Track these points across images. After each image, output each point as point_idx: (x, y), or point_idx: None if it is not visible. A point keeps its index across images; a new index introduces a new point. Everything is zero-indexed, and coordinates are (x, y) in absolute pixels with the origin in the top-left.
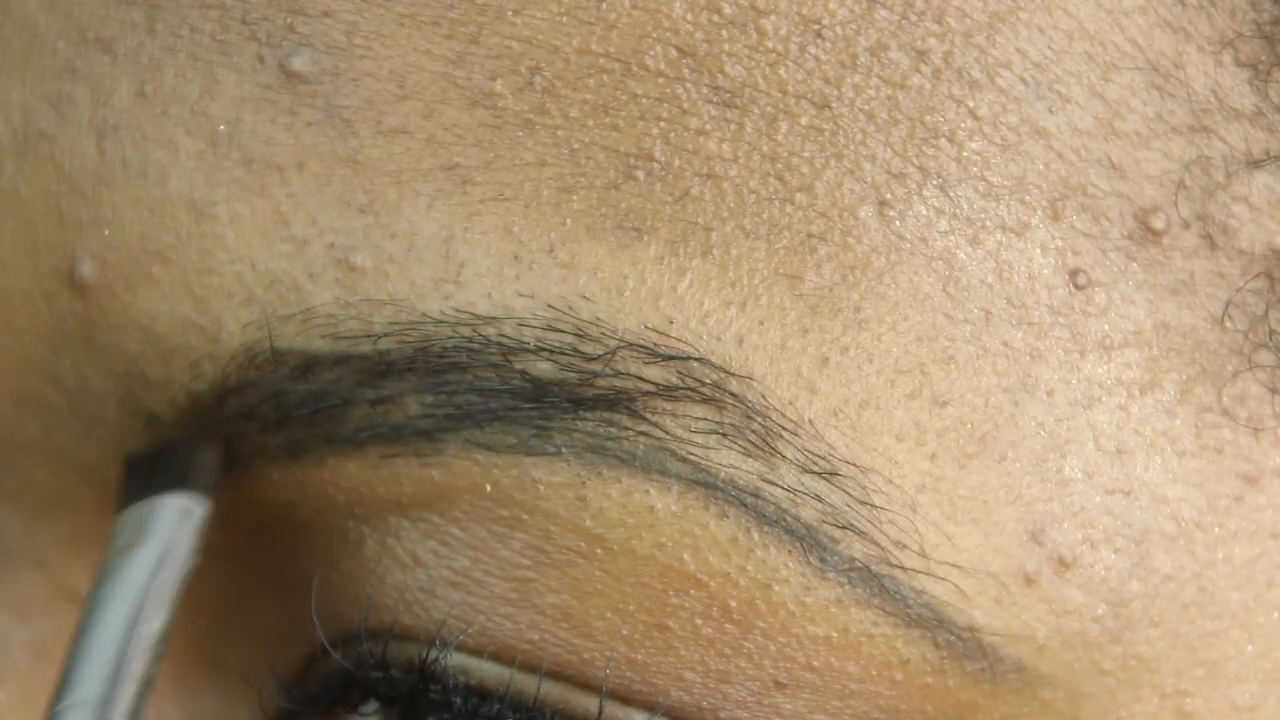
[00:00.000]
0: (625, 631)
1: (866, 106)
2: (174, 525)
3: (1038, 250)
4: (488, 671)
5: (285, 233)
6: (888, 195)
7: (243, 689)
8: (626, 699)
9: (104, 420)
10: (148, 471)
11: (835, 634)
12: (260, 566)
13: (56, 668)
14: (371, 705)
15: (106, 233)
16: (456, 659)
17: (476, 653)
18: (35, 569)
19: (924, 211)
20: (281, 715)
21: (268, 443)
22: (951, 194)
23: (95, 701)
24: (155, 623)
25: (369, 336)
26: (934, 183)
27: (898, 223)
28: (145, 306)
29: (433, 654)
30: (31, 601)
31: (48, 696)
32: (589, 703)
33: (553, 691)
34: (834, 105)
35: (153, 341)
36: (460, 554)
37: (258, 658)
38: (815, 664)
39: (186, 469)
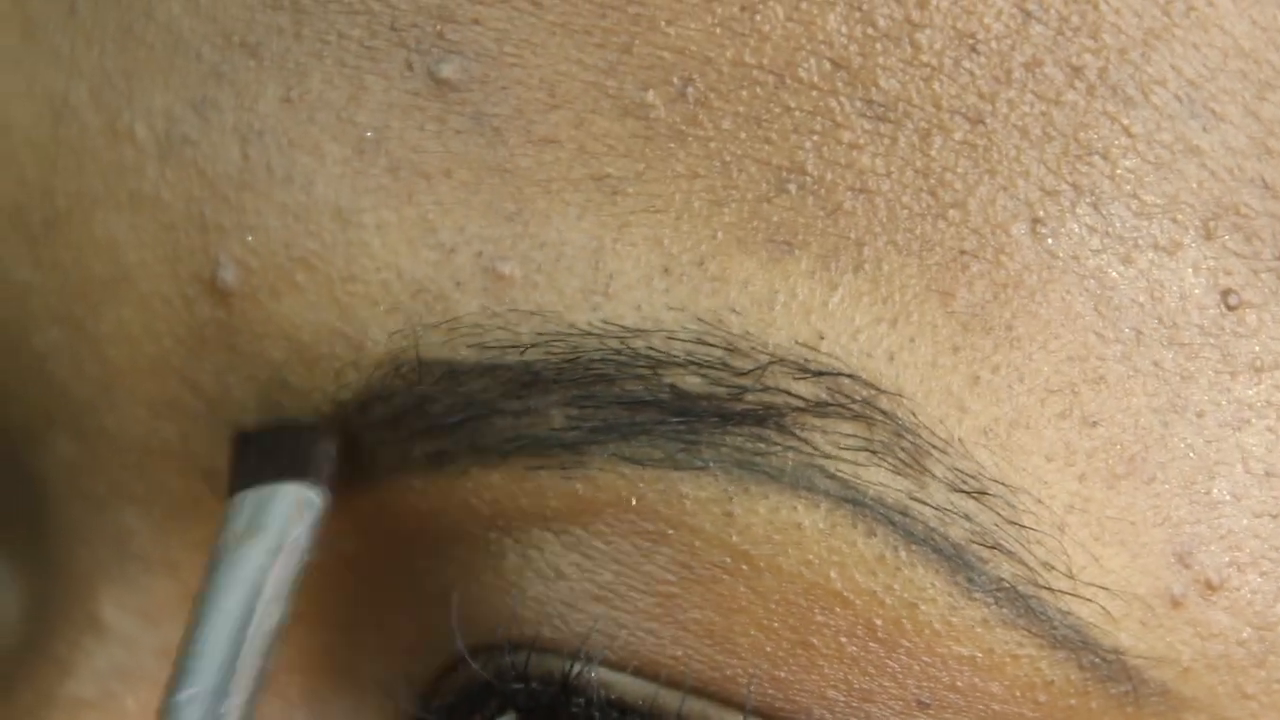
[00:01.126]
0: (769, 649)
1: (1020, 122)
2: (293, 516)
3: (1190, 270)
4: (629, 686)
5: (432, 240)
6: (1041, 212)
7: (373, 699)
8: (769, 716)
9: (242, 426)
10: (263, 455)
11: (980, 654)
12: (397, 576)
13: None
14: (510, 716)
15: (250, 239)
16: (599, 673)
17: (619, 667)
18: (166, 574)
19: (1077, 229)
20: None
21: (411, 451)
22: (1104, 212)
23: (210, 693)
24: (272, 618)
25: (516, 347)
26: (1087, 200)
27: (1050, 240)
28: (289, 313)
29: (575, 667)
30: (162, 607)
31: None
32: (731, 719)
33: (695, 708)
34: (988, 120)
35: (297, 349)
36: (604, 568)
37: (391, 668)
38: (959, 684)
39: (307, 458)
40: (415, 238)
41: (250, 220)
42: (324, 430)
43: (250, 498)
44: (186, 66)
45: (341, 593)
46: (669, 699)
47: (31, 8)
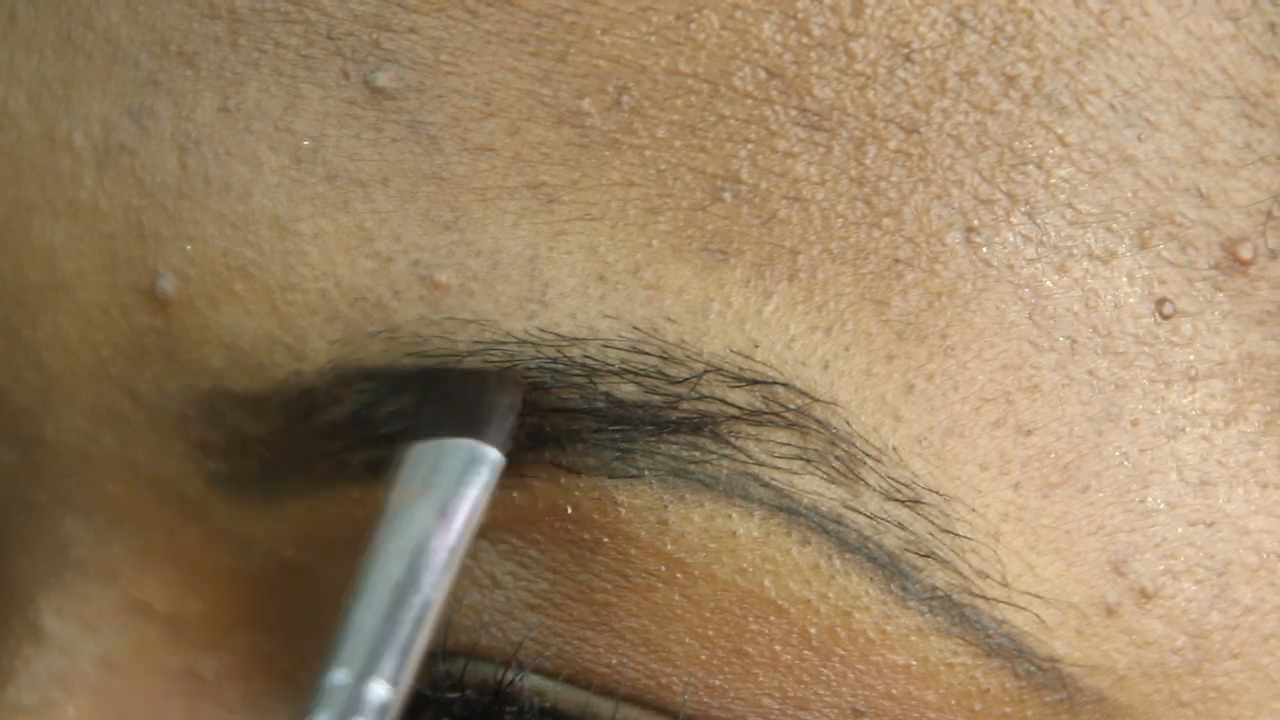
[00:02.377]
0: (704, 657)
1: (955, 131)
2: (470, 477)
3: (1124, 279)
4: (564, 694)
5: (369, 249)
6: (975, 221)
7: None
8: None
9: (184, 435)
10: (443, 406)
11: (915, 662)
12: (334, 583)
13: (127, 682)
14: None
15: (188, 248)
16: (533, 681)
17: (553, 675)
18: (106, 582)
19: (1011, 238)
20: None
21: (350, 460)
22: (1039, 221)
23: (361, 673)
24: (439, 589)
25: (454, 355)
26: (1022, 209)
27: (985, 249)
28: (228, 322)
29: (509, 675)
30: (102, 614)
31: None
32: None
33: (629, 715)
34: (922, 129)
35: (237, 357)
36: (539, 576)
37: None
38: (894, 692)
39: (489, 416)
40: (353, 246)
41: (188, 230)
42: (509, 388)
43: (427, 450)
44: (124, 74)
45: (282, 599)
46: (603, 707)
47: None
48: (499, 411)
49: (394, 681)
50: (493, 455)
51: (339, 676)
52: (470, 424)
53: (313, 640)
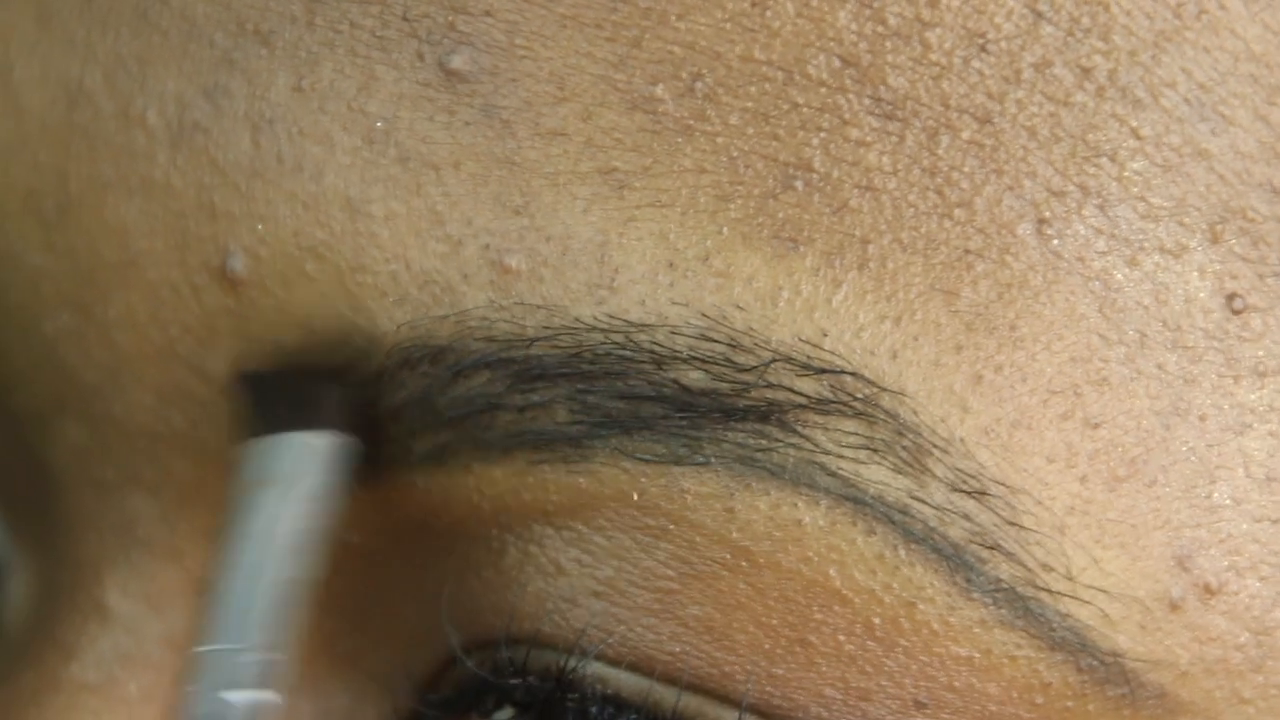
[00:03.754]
0: (767, 646)
1: (1029, 123)
2: (303, 464)
3: (1195, 273)
4: (626, 682)
5: (440, 232)
6: (1047, 213)
7: (375, 690)
8: (766, 713)
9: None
10: (271, 401)
11: (978, 655)
12: (400, 569)
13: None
14: (507, 712)
15: (260, 228)
16: (595, 668)
17: (616, 662)
18: (171, 561)
19: (1083, 231)
20: (414, 718)
21: (414, 445)
22: (1111, 214)
23: (231, 646)
24: (291, 568)
25: (522, 340)
26: (1094, 202)
27: (1056, 241)
28: (299, 302)
29: (572, 662)
30: (166, 593)
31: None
32: (728, 716)
33: (691, 704)
34: (996, 120)
35: (308, 337)
36: (604, 563)
37: (393, 660)
38: (957, 684)
39: (317, 404)
40: (423, 229)
41: (260, 209)
42: (329, 378)
43: (260, 446)
44: (199, 53)
45: (347, 582)
46: (665, 695)
47: None
48: (326, 400)
49: (264, 651)
50: (326, 442)
51: (214, 647)
52: (301, 416)
53: (377, 624)
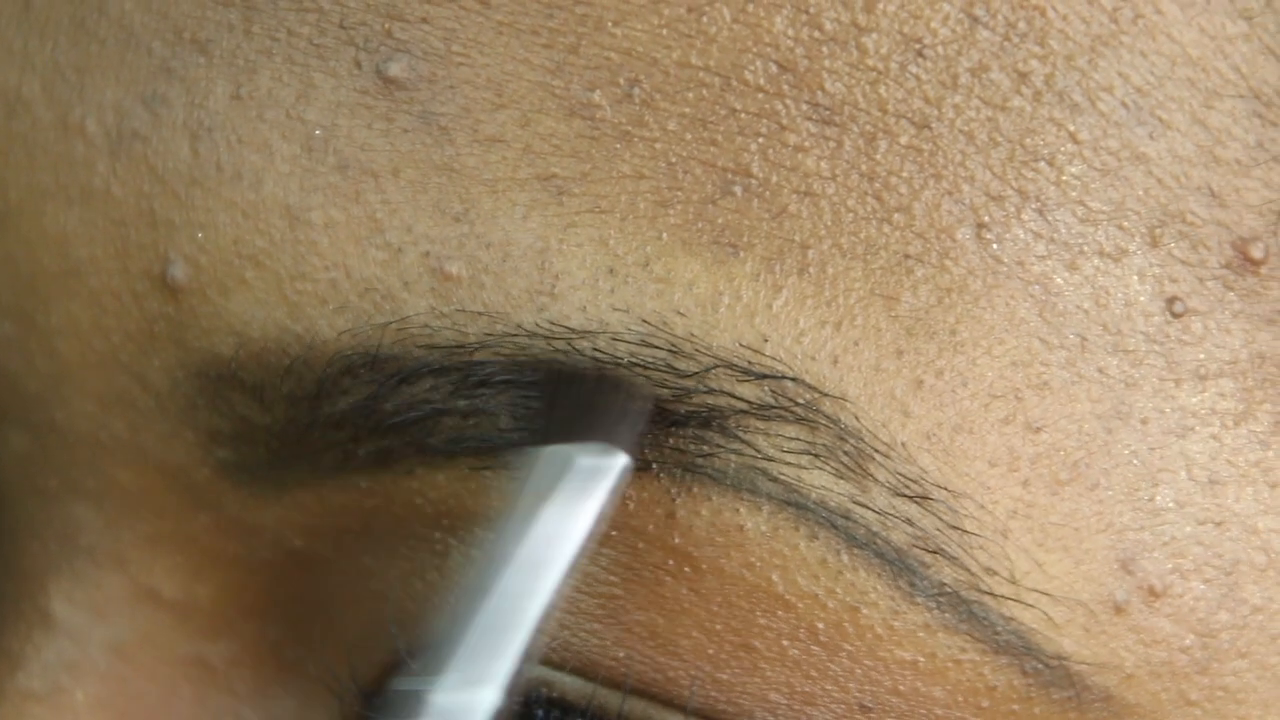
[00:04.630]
0: (711, 651)
1: (966, 127)
2: (598, 483)
3: (1135, 277)
4: (570, 686)
5: (380, 240)
6: (986, 218)
7: (322, 694)
8: (711, 718)
9: (193, 422)
10: (572, 410)
11: (922, 659)
12: (344, 573)
13: (135, 669)
14: None
15: (200, 235)
16: (539, 672)
17: (560, 667)
18: (116, 569)
19: (1022, 235)
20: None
21: (357, 450)
22: (1050, 218)
23: (481, 680)
24: (561, 593)
25: (463, 347)
26: (1033, 206)
27: (995, 246)
28: (239, 311)
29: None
30: (111, 601)
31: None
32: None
33: (636, 708)
34: (934, 125)
35: (246, 345)
36: None
37: (338, 663)
38: (901, 688)
39: (619, 422)
40: (363, 237)
41: (200, 217)
42: (637, 394)
43: (551, 454)
44: (137, 62)
45: (290, 588)
46: (610, 699)
47: None
48: (629, 417)
49: (503, 689)
50: (621, 461)
51: (451, 682)
52: (599, 429)
53: (320, 629)
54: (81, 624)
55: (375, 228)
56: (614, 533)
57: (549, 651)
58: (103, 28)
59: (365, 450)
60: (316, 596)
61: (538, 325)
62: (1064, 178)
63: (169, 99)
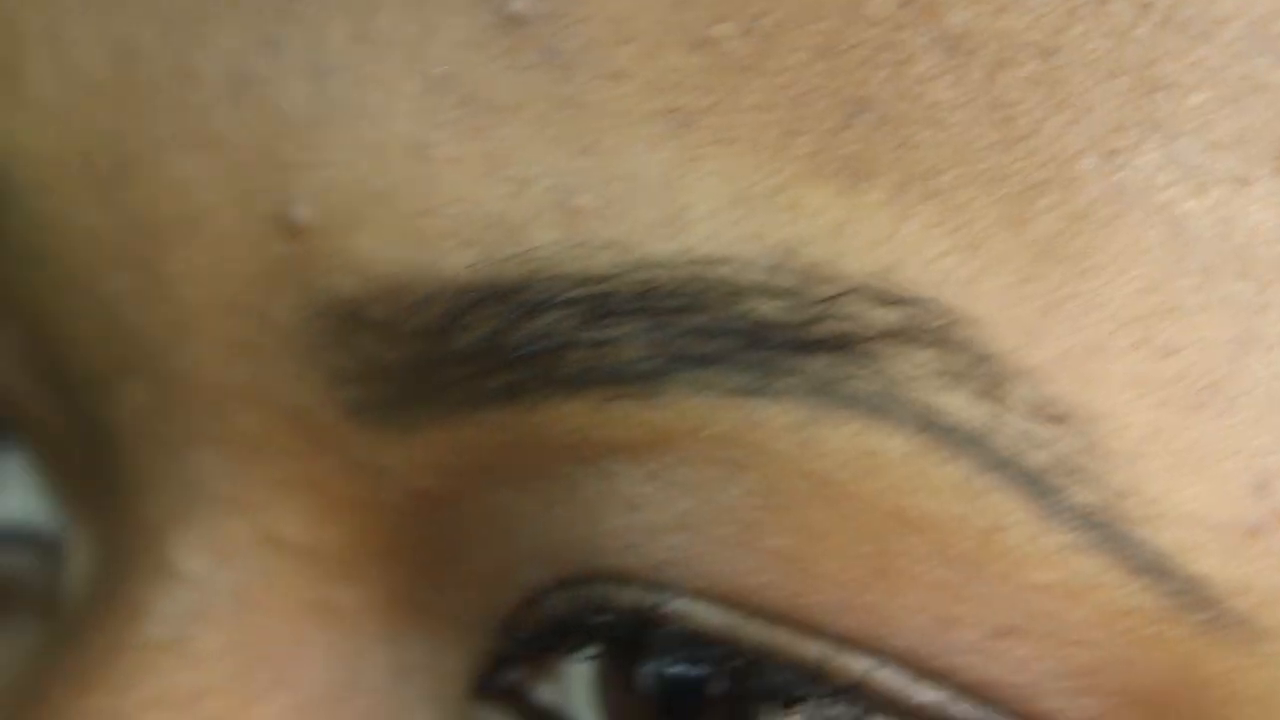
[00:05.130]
0: (851, 576)
1: (1090, 57)
2: None
3: (1260, 204)
4: (709, 615)
5: (505, 173)
6: (1111, 145)
7: (453, 637)
8: (850, 644)
9: (318, 363)
10: None
11: (1062, 581)
12: (474, 512)
13: (262, 615)
14: (589, 650)
15: (322, 174)
16: (679, 604)
17: (698, 596)
18: (240, 514)
19: (1146, 163)
20: (495, 661)
21: (486, 385)
22: (1174, 147)
23: None
24: None
25: (592, 278)
26: (1157, 135)
27: (1121, 173)
28: (363, 248)
29: (654, 598)
30: (236, 547)
31: None
32: (811, 648)
33: (774, 637)
34: (1058, 54)
35: (371, 283)
36: (683, 497)
37: (469, 604)
38: (1041, 611)
39: None
40: (488, 171)
41: (322, 156)
42: None
43: None
44: (255, 6)
45: (418, 529)
46: (749, 629)
47: None
48: None
49: None
50: None
51: None
52: None
53: (451, 570)
54: (206, 572)
55: (500, 162)
56: (751, 459)
57: (685, 581)
58: None
59: (494, 385)
60: (445, 537)
61: (667, 254)
62: (1187, 106)
63: (288, 42)
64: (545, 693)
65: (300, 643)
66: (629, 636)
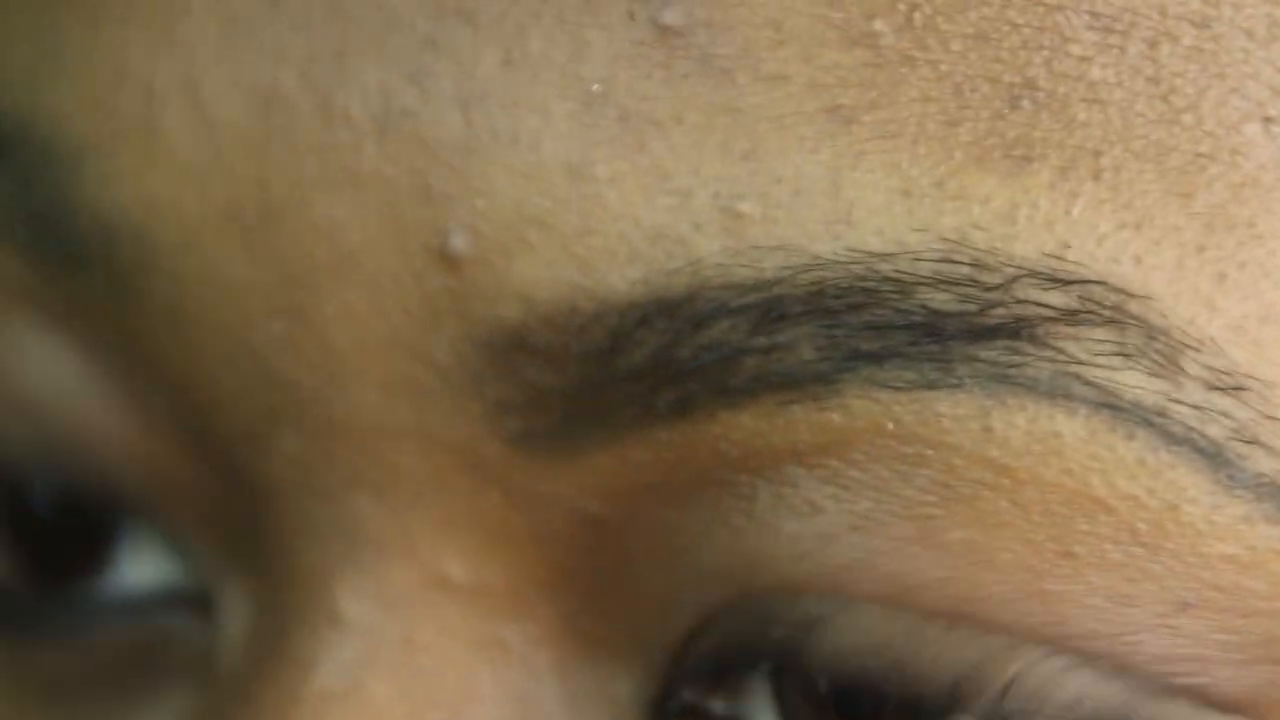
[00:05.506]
0: (1033, 562)
1: (1246, 24)
2: None
3: None
4: (883, 620)
5: (668, 186)
6: (1272, 111)
7: (623, 662)
8: (1026, 634)
9: (480, 395)
10: None
11: (1243, 552)
12: (641, 533)
13: (431, 658)
14: (764, 666)
15: (479, 203)
16: (853, 611)
17: (873, 600)
18: (404, 558)
19: None
20: (668, 683)
21: (656, 402)
22: None
23: None
24: None
25: (762, 283)
26: None
27: None
28: (525, 274)
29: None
30: (402, 592)
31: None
32: (990, 642)
33: (953, 634)
34: (1214, 25)
35: (534, 309)
36: (861, 497)
37: (638, 629)
38: (1222, 583)
39: None
40: (650, 185)
41: (477, 185)
42: None
43: None
44: (399, 39)
45: (584, 557)
46: (927, 629)
47: (230, 2)
48: None
49: None
50: None
51: None
52: None
53: (618, 596)
54: (372, 619)
55: (662, 175)
56: (929, 453)
57: (865, 584)
58: (360, 10)
59: (664, 401)
60: (613, 563)
61: (836, 254)
62: None
63: (436, 72)
64: (720, 708)
65: (471, 683)
66: (801, 648)
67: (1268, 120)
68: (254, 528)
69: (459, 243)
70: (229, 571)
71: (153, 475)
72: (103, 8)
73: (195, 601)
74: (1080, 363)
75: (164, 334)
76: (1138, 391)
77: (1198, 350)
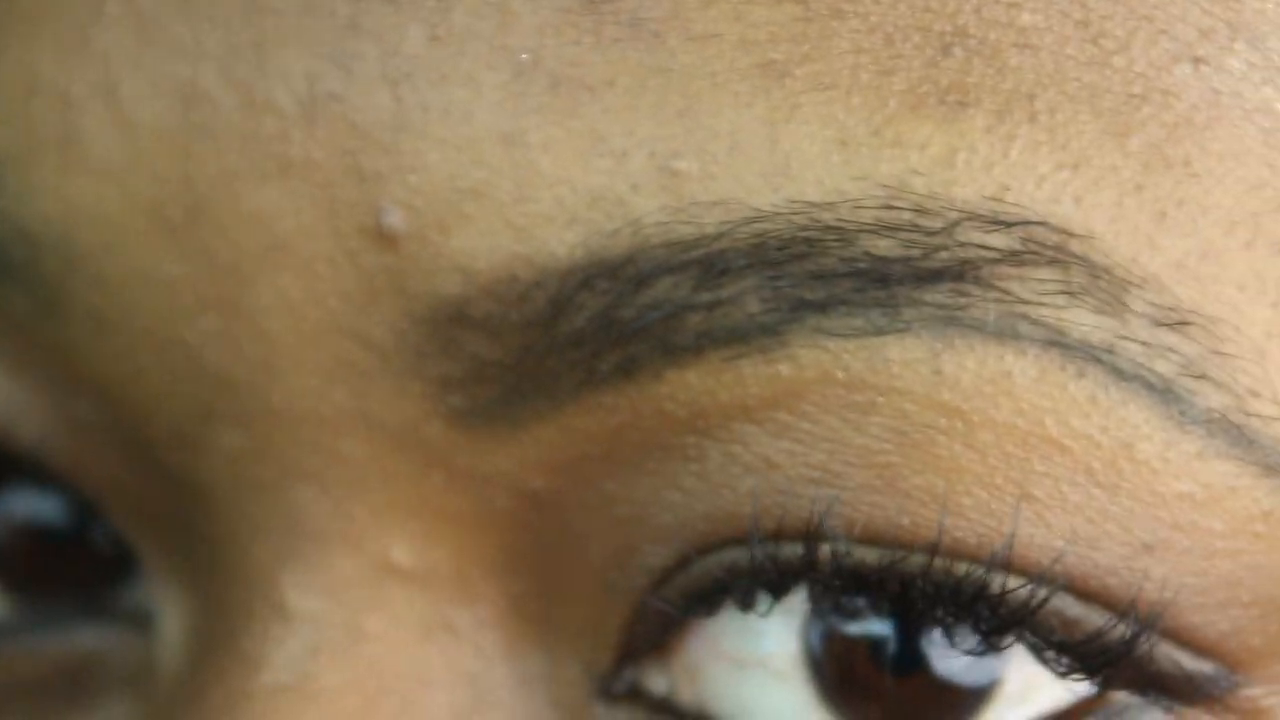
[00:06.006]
0: (994, 506)
1: None
2: None
3: None
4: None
5: (603, 149)
6: (1201, 51)
7: (571, 642)
8: (1004, 567)
9: (421, 374)
10: None
11: (1199, 489)
12: (585, 506)
13: (380, 645)
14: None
15: (412, 179)
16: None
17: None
18: (348, 547)
19: (1237, 65)
20: (615, 661)
21: (599, 365)
22: (1262, 47)
23: None
24: None
25: (702, 239)
26: (1244, 37)
27: (1214, 78)
28: (462, 246)
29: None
30: (347, 581)
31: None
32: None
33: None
34: None
35: (473, 280)
36: (816, 448)
37: (585, 610)
38: (1181, 523)
39: None
40: (585, 149)
41: (410, 161)
42: None
43: None
44: (320, 25)
45: (530, 536)
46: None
47: (142, 5)
48: None
49: None
50: None
51: None
52: None
53: (565, 574)
54: (319, 610)
55: (596, 138)
56: (880, 399)
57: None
58: (277, 1)
59: (607, 364)
60: (559, 539)
61: (776, 205)
62: (1269, 6)
63: (361, 53)
64: (661, 684)
65: (421, 668)
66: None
67: (1197, 60)
68: (195, 529)
69: (394, 220)
70: (172, 576)
71: (91, 485)
72: (12, 22)
73: (130, 618)
74: (1026, 302)
75: (90, 341)
76: (1085, 329)
77: (1141, 287)
